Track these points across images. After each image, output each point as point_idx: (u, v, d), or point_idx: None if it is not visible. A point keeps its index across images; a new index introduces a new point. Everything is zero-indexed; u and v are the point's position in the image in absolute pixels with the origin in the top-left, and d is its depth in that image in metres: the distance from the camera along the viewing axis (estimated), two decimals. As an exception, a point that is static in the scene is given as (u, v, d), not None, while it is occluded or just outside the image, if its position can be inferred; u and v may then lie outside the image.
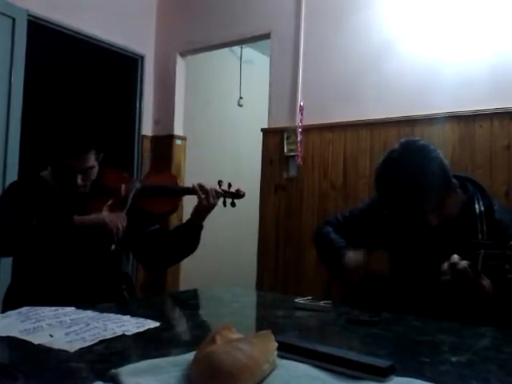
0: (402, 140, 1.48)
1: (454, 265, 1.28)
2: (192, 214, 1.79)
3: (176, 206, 1.82)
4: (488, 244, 1.34)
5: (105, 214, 1.63)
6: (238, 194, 1.82)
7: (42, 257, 1.64)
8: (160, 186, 1.82)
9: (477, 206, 1.45)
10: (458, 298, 1.33)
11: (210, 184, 1.78)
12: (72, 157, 1.63)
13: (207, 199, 1.72)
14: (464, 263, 1.27)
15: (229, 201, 1.82)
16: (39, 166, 1.81)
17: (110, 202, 1.71)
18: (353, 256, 1.60)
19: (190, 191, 1.76)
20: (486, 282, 1.28)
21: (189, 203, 1.84)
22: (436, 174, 1.38)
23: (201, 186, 1.73)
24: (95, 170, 1.72)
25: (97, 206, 1.69)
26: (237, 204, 1.82)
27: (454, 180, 1.46)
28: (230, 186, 1.82)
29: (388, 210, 1.57)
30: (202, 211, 1.76)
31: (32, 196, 1.70)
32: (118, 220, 1.61)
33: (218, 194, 1.76)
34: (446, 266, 1.30)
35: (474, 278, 1.27)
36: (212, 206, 1.75)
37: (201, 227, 1.80)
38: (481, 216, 1.43)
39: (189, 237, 1.80)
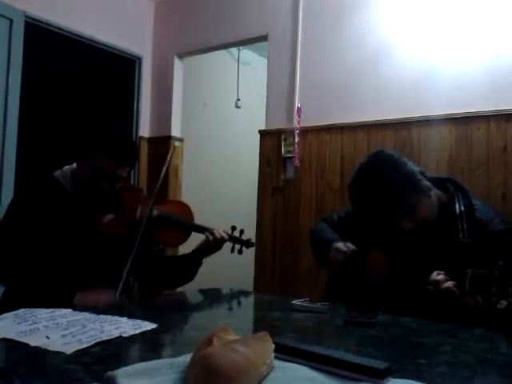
0: (370, 153, 1.55)
1: (436, 283, 1.28)
2: (195, 250, 1.81)
3: (183, 241, 1.81)
4: (465, 242, 1.37)
5: (101, 298, 1.56)
6: (248, 243, 1.84)
7: (40, 259, 1.63)
8: (175, 218, 1.79)
9: (457, 205, 1.48)
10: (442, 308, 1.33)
11: (222, 227, 1.81)
12: (112, 159, 1.60)
13: (215, 243, 1.76)
14: (448, 283, 1.26)
15: (237, 247, 1.83)
16: (54, 164, 1.79)
17: (121, 219, 1.70)
18: (340, 245, 1.61)
19: (203, 230, 1.77)
20: (471, 301, 1.25)
21: (192, 237, 1.85)
22: (396, 179, 1.43)
23: (212, 232, 1.76)
24: (120, 184, 1.68)
25: (109, 223, 1.68)
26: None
27: (425, 183, 1.47)
28: (241, 233, 1.84)
29: (363, 220, 1.60)
30: (206, 251, 1.79)
31: (44, 203, 1.65)
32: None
33: (227, 240, 1.79)
34: (431, 277, 1.30)
35: (460, 297, 1.25)
36: (217, 250, 1.80)
37: (200, 263, 1.83)
38: (461, 215, 1.46)
39: (186, 269, 1.83)
